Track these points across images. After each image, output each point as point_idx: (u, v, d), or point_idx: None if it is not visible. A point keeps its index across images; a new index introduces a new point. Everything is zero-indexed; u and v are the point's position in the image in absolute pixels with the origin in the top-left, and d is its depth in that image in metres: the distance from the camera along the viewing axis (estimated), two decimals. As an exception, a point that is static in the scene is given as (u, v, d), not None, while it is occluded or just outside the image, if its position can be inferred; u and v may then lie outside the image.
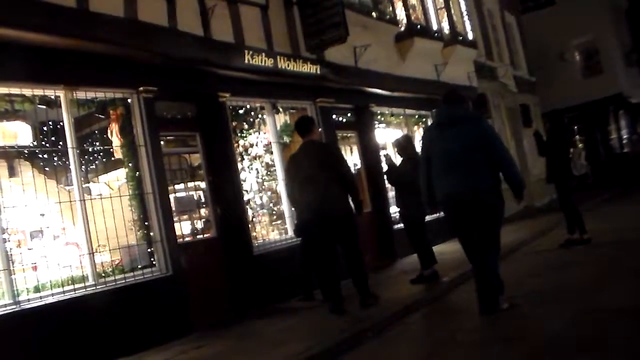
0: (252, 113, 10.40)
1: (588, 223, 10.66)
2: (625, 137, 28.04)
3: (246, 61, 9.36)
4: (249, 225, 9.52)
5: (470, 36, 17.26)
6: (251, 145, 10.19)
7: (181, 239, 8.75)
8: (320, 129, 10.08)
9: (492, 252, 6.47)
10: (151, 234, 8.18)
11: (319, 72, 10.78)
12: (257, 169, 10.16)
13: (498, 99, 19.66)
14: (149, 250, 8.15)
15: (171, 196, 8.74)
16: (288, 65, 10.16)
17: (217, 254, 9.02)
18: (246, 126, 10.26)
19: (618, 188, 21.57)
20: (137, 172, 8.22)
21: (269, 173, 10.43)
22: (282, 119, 11.24)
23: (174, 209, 8.74)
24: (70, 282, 7.18)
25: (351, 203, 7.95)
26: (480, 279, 6.45)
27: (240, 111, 10.22)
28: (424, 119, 15.44)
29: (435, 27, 15.15)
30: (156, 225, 8.16)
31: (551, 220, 13.89)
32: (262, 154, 10.39)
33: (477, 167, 6.30)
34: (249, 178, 9.96)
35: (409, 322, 7.37)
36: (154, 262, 8.15)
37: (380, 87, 12.82)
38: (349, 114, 12.78)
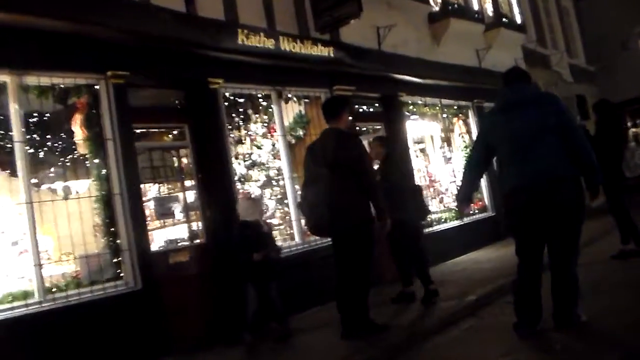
0: (254, 102, 9.09)
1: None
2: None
3: (240, 42, 8.11)
4: (245, 231, 8.17)
5: (518, 19, 15.64)
6: (251, 139, 8.87)
7: (161, 247, 7.58)
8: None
9: (574, 258, 5.43)
10: (118, 241, 6.98)
11: (332, 55, 9.43)
12: (259, 166, 8.86)
13: (551, 88, 17.89)
14: (114, 260, 6.94)
15: (151, 197, 7.61)
16: (294, 47, 8.85)
17: (205, 264, 7.77)
18: (245, 117, 8.96)
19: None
20: (104, 170, 7.03)
21: (273, 170, 9.11)
22: (294, 108, 9.93)
23: (154, 211, 7.58)
24: (14, 298, 6.10)
25: (372, 210, 6.44)
26: (560, 287, 5.38)
27: (240, 100, 8.94)
28: (463, 110, 13.90)
29: (475, 7, 13.60)
30: (124, 230, 6.98)
31: (603, 225, 11.92)
32: (265, 149, 9.08)
33: (556, 153, 5.27)
34: (248, 176, 8.67)
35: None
36: (121, 275, 6.94)
37: (410, 73, 11.39)
38: (375, 104, 11.37)
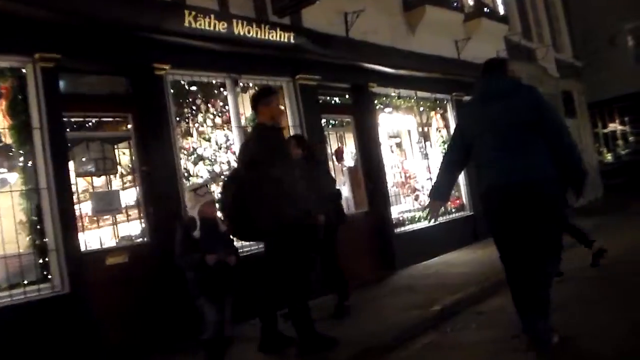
0: (206, 90, 8.40)
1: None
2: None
3: (187, 24, 7.43)
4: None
5: (500, 10, 15.03)
6: (198, 132, 8.19)
7: (97, 247, 6.93)
8: (282, 107, 7.79)
9: (552, 261, 5.01)
10: (45, 240, 6.30)
11: (293, 41, 8.75)
12: (208, 160, 8.18)
13: (536, 83, 17.21)
14: (40, 261, 6.27)
15: (88, 192, 6.93)
16: (249, 32, 8.17)
17: (147, 265, 7.11)
18: (197, 107, 8.27)
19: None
20: (30, 162, 6.36)
21: (225, 165, 8.43)
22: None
23: (91, 208, 6.92)
24: None
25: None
26: (527, 295, 4.88)
27: (193, 88, 8.27)
28: (442, 104, 13.26)
29: (454, -5, 12.91)
30: (51, 229, 6.31)
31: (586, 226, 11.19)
32: (219, 141, 8.41)
33: (535, 150, 4.87)
34: (198, 171, 7.99)
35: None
36: (48, 277, 6.27)
37: (382, 63, 10.71)
38: (344, 95, 10.70)
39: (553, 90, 18.57)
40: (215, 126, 8.33)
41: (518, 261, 4.94)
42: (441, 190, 5.40)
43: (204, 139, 8.10)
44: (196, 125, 8.13)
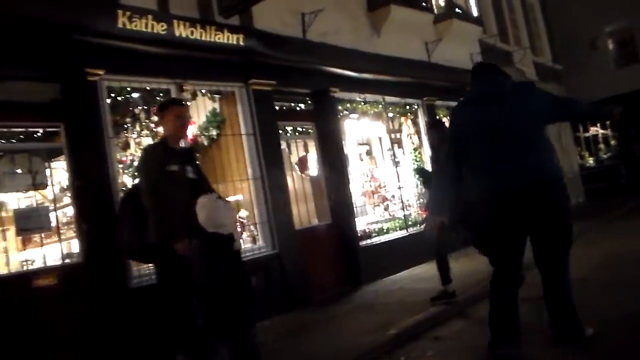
0: (148, 98, 7.80)
1: (615, 236, 7.78)
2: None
3: (120, 25, 6.82)
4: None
5: (474, 11, 14.49)
6: (137, 143, 7.60)
7: (21, 269, 6.37)
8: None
9: (567, 267, 4.83)
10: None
11: (242, 43, 8.16)
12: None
13: (512, 87, 16.84)
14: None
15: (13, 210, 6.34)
16: (192, 33, 7.57)
17: (79, 287, 6.46)
18: (137, 115, 7.68)
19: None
20: None
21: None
22: (207, 105, 8.71)
23: (15, 226, 6.32)
24: None
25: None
26: (556, 302, 4.82)
27: (134, 95, 7.68)
28: (412, 109, 12.68)
29: (423, -5, 12.35)
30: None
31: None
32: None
33: (542, 150, 4.71)
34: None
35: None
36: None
37: (345, 66, 10.13)
38: (306, 101, 10.11)
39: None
40: (157, 136, 7.72)
41: (517, 264, 4.80)
42: (444, 206, 5.30)
43: (141, 149, 7.47)
44: (134, 135, 7.50)
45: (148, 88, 7.68)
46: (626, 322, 5.21)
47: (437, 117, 12.49)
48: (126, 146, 7.46)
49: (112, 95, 7.29)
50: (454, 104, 13.91)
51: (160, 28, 7.20)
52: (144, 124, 7.64)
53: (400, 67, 11.43)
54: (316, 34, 9.45)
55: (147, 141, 7.55)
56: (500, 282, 4.77)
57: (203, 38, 7.69)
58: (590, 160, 24.57)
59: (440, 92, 13.08)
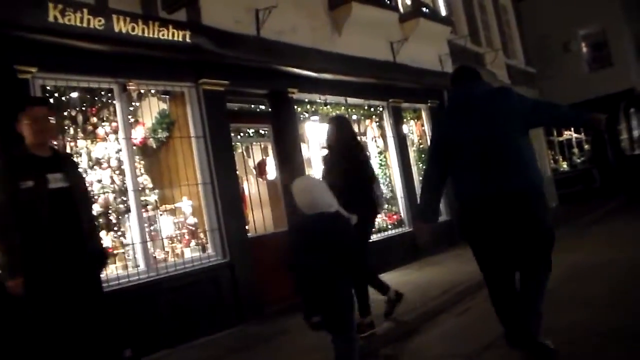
0: (89, 98, 7.35)
1: (588, 243, 7.41)
2: (637, 137, 24.71)
3: (51, 19, 6.32)
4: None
5: (442, 10, 14.15)
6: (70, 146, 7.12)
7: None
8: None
9: (545, 272, 4.73)
10: None
11: (189, 40, 7.68)
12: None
13: (483, 89, 16.52)
14: None
15: None
16: (134, 29, 7.09)
17: None
18: (74, 117, 7.20)
19: (627, 195, 18.58)
20: None
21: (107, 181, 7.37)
22: (157, 106, 8.24)
23: None
24: None
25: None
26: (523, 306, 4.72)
27: (74, 94, 7.21)
28: (377, 111, 12.27)
29: (387, -8, 11.94)
30: None
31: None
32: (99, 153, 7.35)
33: (523, 157, 4.70)
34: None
35: None
36: None
37: (303, 66, 9.68)
38: (263, 102, 9.65)
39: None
40: (95, 139, 7.27)
41: (502, 271, 4.82)
42: (430, 210, 5.10)
43: (75, 153, 7.00)
44: (68, 138, 7.02)
45: (86, 87, 7.18)
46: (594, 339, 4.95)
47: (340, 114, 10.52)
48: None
49: (47, 95, 6.80)
50: (421, 106, 13.66)
51: (97, 23, 6.71)
52: (77, 125, 7.13)
53: (364, 67, 11.02)
54: (272, 32, 9.00)
55: (83, 144, 7.10)
56: (491, 284, 4.90)
57: (146, 34, 7.21)
58: (564, 165, 24.38)
59: (407, 94, 12.72)
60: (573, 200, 20.02)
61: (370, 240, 10.26)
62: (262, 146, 10.05)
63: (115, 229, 7.26)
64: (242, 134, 9.43)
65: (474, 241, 4.91)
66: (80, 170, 4.66)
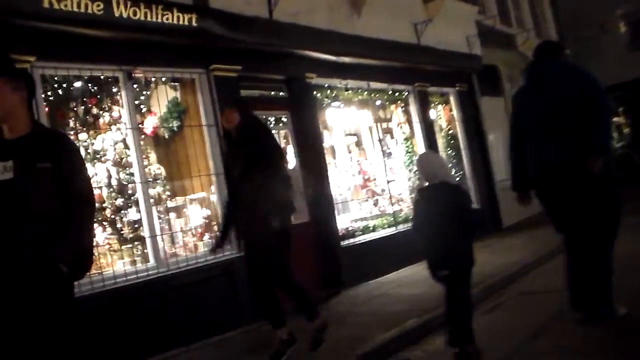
0: (92, 86, 7.04)
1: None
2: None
3: (46, 5, 6.00)
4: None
5: (469, -10, 13.62)
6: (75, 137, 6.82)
7: None
8: None
9: (608, 241, 5.10)
10: None
11: (195, 23, 7.32)
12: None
13: (515, 72, 15.92)
14: None
15: None
16: (135, 14, 6.75)
17: None
18: (76, 107, 6.91)
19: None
20: None
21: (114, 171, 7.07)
22: (168, 94, 7.90)
23: None
24: None
25: None
26: (587, 276, 5.05)
27: (77, 84, 6.92)
28: (402, 96, 11.80)
29: (409, -29, 11.44)
30: None
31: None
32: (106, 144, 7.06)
33: (580, 135, 4.89)
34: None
35: None
36: None
37: (320, 50, 9.27)
38: (280, 88, 9.26)
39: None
40: (98, 130, 6.97)
41: (575, 234, 5.17)
42: (520, 181, 5.44)
43: (80, 146, 6.72)
44: (69, 130, 6.73)
45: (89, 75, 6.91)
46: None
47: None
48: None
49: (49, 84, 6.55)
50: (448, 90, 13.16)
51: (95, 8, 6.37)
52: (79, 116, 6.84)
53: (386, 50, 10.54)
54: (285, 14, 8.58)
55: (83, 137, 6.80)
56: (568, 249, 5.26)
57: (148, 19, 6.87)
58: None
59: (434, 78, 12.23)
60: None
61: (397, 232, 9.93)
62: (284, 134, 9.69)
63: (120, 224, 6.94)
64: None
65: (550, 207, 5.30)
66: (71, 155, 3.61)
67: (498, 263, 7.55)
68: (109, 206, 6.91)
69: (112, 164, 7.02)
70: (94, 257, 4.07)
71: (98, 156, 6.95)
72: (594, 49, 21.99)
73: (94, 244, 6.06)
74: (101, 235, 6.75)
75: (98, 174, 6.90)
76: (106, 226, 6.86)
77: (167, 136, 7.95)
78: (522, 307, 6.52)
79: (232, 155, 5.63)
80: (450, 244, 4.71)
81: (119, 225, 6.94)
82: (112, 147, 7.06)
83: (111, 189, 6.97)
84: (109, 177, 6.98)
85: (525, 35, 16.98)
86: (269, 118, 9.18)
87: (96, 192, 6.70)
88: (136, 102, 7.41)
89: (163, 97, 7.79)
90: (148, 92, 7.67)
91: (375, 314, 6.93)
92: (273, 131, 9.11)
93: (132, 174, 7.10)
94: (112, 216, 6.91)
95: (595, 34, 22.91)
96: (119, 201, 6.99)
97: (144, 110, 7.56)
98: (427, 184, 5.03)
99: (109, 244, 6.80)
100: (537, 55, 5.44)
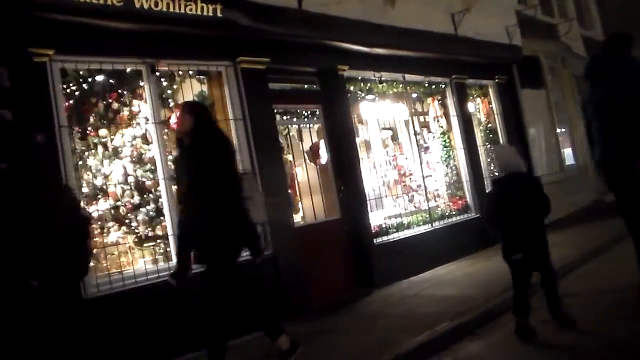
0: (114, 80, 6.84)
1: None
2: None
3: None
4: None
5: (509, -22, 13.15)
6: (93, 132, 6.64)
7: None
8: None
9: None
10: None
11: (220, 14, 7.08)
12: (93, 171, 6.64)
13: (557, 63, 15.41)
14: None
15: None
16: (157, 5, 6.53)
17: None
18: (96, 101, 6.72)
19: None
20: None
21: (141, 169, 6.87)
22: (194, 88, 7.67)
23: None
24: None
25: None
26: None
27: (98, 78, 6.73)
28: (439, 88, 11.42)
29: (445, -42, 11.04)
30: None
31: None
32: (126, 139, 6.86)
33: (633, 127, 5.24)
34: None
35: None
36: None
37: (353, 41, 8.96)
38: (312, 81, 8.97)
39: (579, 71, 16.57)
40: (120, 125, 6.77)
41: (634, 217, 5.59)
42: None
43: (99, 142, 6.53)
44: (89, 125, 6.55)
45: (111, 69, 6.71)
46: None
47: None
48: (83, 138, 6.50)
49: (68, 78, 6.39)
50: (487, 82, 12.72)
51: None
52: (100, 111, 6.65)
53: (421, 41, 10.18)
54: (315, 4, 8.28)
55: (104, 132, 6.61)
56: (632, 233, 5.68)
57: (171, 9, 6.64)
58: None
59: (472, 69, 11.82)
60: None
61: (433, 229, 9.57)
62: (316, 128, 9.42)
63: (134, 223, 6.73)
64: (287, 116, 8.77)
65: (615, 191, 5.73)
66: None
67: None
68: (125, 204, 6.68)
69: (130, 160, 6.81)
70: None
71: (117, 152, 6.74)
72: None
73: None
74: (117, 233, 6.55)
75: (116, 171, 6.69)
76: (127, 224, 6.66)
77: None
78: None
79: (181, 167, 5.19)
80: (527, 228, 5.21)
81: (134, 225, 6.70)
82: (130, 143, 6.83)
83: (128, 186, 6.75)
84: (126, 174, 6.76)
85: (568, 26, 16.37)
86: (305, 112, 8.99)
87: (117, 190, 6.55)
88: (163, 96, 7.19)
89: (189, 91, 7.55)
90: (174, 86, 7.43)
91: (406, 316, 6.63)
92: (303, 126, 8.91)
93: (151, 170, 6.88)
94: (130, 214, 6.68)
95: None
96: (136, 199, 6.76)
97: (171, 104, 7.33)
98: (503, 174, 5.51)
99: (128, 242, 6.61)
100: (606, 46, 5.80)
